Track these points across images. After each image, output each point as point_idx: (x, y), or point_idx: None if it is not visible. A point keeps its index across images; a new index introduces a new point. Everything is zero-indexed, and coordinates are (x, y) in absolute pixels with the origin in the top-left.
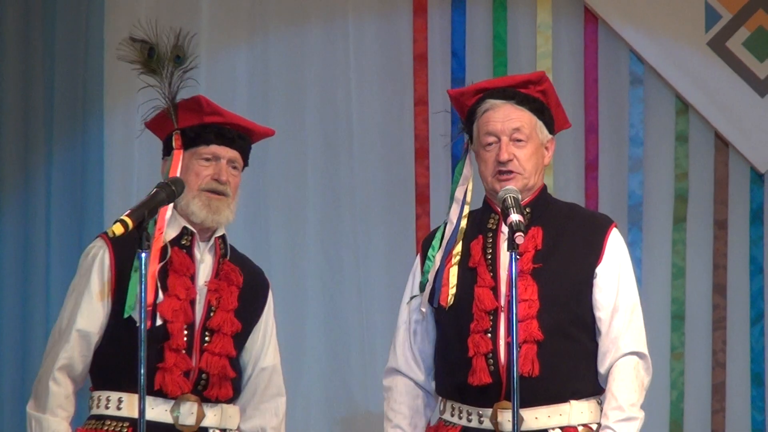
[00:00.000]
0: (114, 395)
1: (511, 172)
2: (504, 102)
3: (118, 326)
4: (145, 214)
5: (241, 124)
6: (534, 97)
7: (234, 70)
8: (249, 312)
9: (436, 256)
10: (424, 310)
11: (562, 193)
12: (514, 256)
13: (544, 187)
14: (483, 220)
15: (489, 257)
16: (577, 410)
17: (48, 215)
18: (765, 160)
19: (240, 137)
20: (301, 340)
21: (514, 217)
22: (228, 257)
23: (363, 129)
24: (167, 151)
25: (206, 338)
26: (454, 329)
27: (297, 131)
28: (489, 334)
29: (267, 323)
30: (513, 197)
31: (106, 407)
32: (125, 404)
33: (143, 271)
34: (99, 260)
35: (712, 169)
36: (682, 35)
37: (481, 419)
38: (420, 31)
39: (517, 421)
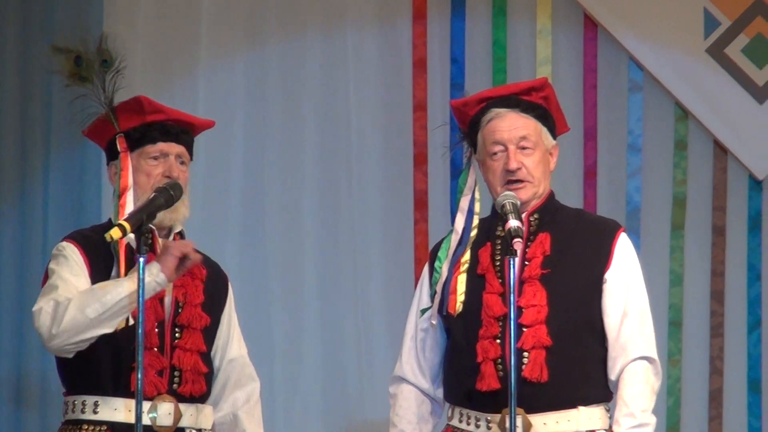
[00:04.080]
0: (90, 399)
1: (521, 180)
2: (509, 110)
3: None
4: (143, 218)
5: (182, 119)
6: (537, 103)
7: (233, 77)
8: (215, 304)
9: (443, 266)
10: (434, 322)
11: (561, 199)
12: (512, 262)
13: (551, 194)
14: (491, 228)
15: (498, 264)
16: (585, 416)
17: (45, 220)
18: (763, 167)
19: (183, 132)
20: (298, 347)
21: (513, 223)
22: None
23: (362, 135)
24: (111, 156)
25: (176, 335)
26: (463, 336)
27: (296, 137)
28: (498, 340)
29: (230, 315)
30: (512, 203)
31: (82, 411)
32: (102, 407)
33: (141, 276)
34: (69, 257)
35: (710, 176)
36: (681, 42)
37: (489, 425)
38: (419, 37)
39: (514, 425)
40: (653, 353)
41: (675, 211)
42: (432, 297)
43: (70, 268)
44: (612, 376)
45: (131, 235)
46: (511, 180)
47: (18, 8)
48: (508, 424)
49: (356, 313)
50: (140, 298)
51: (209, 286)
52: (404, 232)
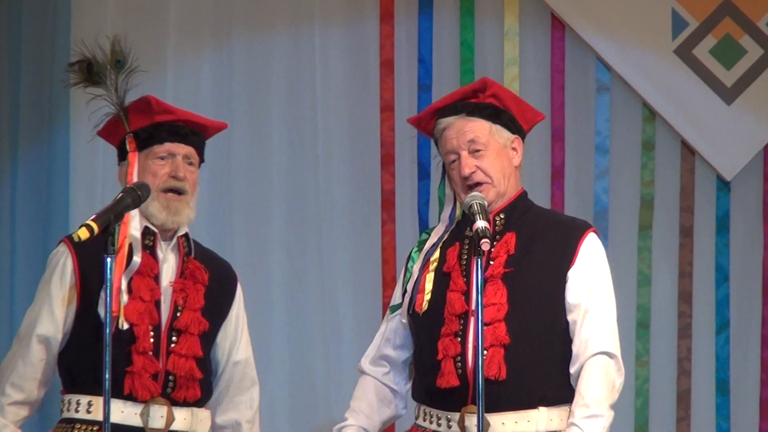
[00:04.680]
0: (84, 399)
1: (479, 183)
2: (455, 117)
3: (85, 330)
4: (111, 218)
5: (192, 120)
6: (485, 103)
7: (199, 75)
8: (217, 308)
9: (415, 266)
10: (404, 321)
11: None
12: (479, 263)
13: (522, 193)
14: (461, 230)
15: (464, 263)
16: (546, 417)
17: (13, 219)
18: (731, 168)
19: (193, 133)
20: (265, 348)
21: (480, 223)
22: (192, 255)
23: (329, 135)
24: (122, 156)
25: (173, 339)
26: (427, 334)
27: (262, 137)
28: (458, 338)
29: (238, 317)
30: (479, 203)
31: (76, 411)
32: (95, 407)
33: (109, 276)
34: (61, 266)
35: (678, 177)
36: (648, 43)
37: (450, 423)
38: (387, 37)
39: (482, 423)
40: (615, 350)
41: (642, 212)
42: (403, 296)
43: (50, 297)
44: (572, 371)
45: (136, 234)
46: (470, 185)
47: None
48: (467, 423)
49: (323, 314)
50: (107, 299)
51: (212, 289)
52: (371, 232)
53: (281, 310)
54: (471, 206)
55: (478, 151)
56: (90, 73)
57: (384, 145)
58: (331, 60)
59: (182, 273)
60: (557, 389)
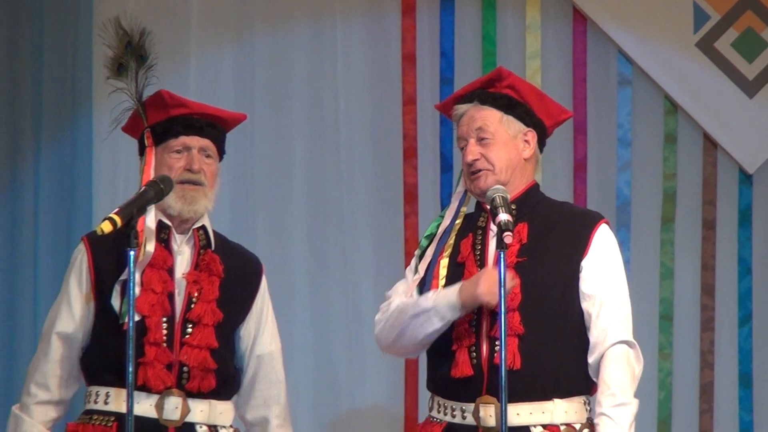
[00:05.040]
0: (102, 390)
1: (479, 170)
2: (469, 105)
3: (102, 325)
4: (134, 212)
5: (208, 112)
6: (501, 93)
7: (221, 68)
8: (238, 301)
9: (429, 249)
10: (412, 294)
11: (550, 193)
12: (502, 255)
13: (534, 186)
14: (474, 220)
15: (477, 253)
16: (561, 409)
17: (36, 213)
18: (753, 160)
19: (209, 125)
20: (289, 342)
21: (503, 216)
22: (212, 248)
23: (351, 128)
24: (143, 150)
25: (188, 330)
26: None
27: (284, 131)
28: (473, 327)
29: (261, 310)
30: (501, 196)
31: (95, 402)
32: (112, 399)
33: (132, 269)
34: (77, 264)
35: (700, 170)
36: (670, 36)
37: (464, 414)
38: (408, 31)
39: (506, 413)
40: (632, 339)
41: (665, 205)
42: (417, 266)
43: (68, 295)
44: (591, 361)
45: (151, 226)
46: (472, 172)
47: (6, 4)
48: (482, 413)
49: (346, 307)
50: (130, 292)
51: (230, 282)
52: (394, 225)
53: (304, 304)
54: (494, 199)
55: (484, 139)
56: (127, 49)
57: (406, 139)
58: (353, 54)
59: (197, 265)
60: (571, 379)
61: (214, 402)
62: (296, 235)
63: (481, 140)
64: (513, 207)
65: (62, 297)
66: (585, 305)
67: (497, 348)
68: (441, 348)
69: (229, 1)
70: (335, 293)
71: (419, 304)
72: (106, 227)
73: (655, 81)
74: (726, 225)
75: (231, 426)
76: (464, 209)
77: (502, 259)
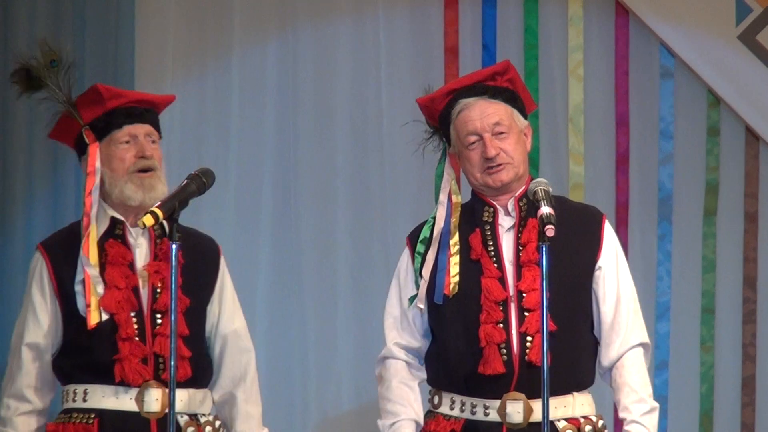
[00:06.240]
0: (80, 388)
1: (500, 164)
2: (477, 99)
3: (71, 327)
4: (176, 205)
5: (143, 98)
6: (504, 87)
7: (265, 64)
8: (200, 284)
9: (428, 253)
10: (421, 306)
11: (593, 186)
12: (545, 249)
13: (531, 179)
14: (476, 214)
15: (491, 249)
16: (579, 402)
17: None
18: None
19: (147, 111)
20: (332, 333)
21: (545, 209)
22: (167, 235)
23: (393, 122)
24: (81, 150)
25: (157, 321)
26: (459, 321)
27: (327, 125)
28: (500, 324)
29: (223, 290)
30: (544, 189)
31: (74, 400)
32: (90, 395)
33: (173, 263)
34: (38, 273)
35: (742, 162)
36: (712, 28)
37: (487, 411)
38: (451, 24)
39: (547, 411)
40: (647, 339)
41: (707, 198)
42: (417, 283)
43: (32, 305)
44: (605, 362)
45: (100, 227)
46: (490, 167)
47: (49, 14)
48: (509, 410)
49: None
50: (173, 284)
51: (191, 266)
52: None
53: (347, 301)
54: (536, 192)
55: (501, 133)
56: (29, 78)
57: None
58: (396, 47)
59: (156, 255)
60: (585, 374)
61: (192, 390)
62: (339, 229)
63: (498, 134)
64: (524, 201)
65: (27, 308)
66: (602, 306)
67: (529, 345)
68: (462, 346)
69: None
70: (377, 289)
71: (384, 412)
72: (148, 221)
73: (698, 74)
74: None
75: (210, 414)
76: (457, 199)
77: (544, 252)
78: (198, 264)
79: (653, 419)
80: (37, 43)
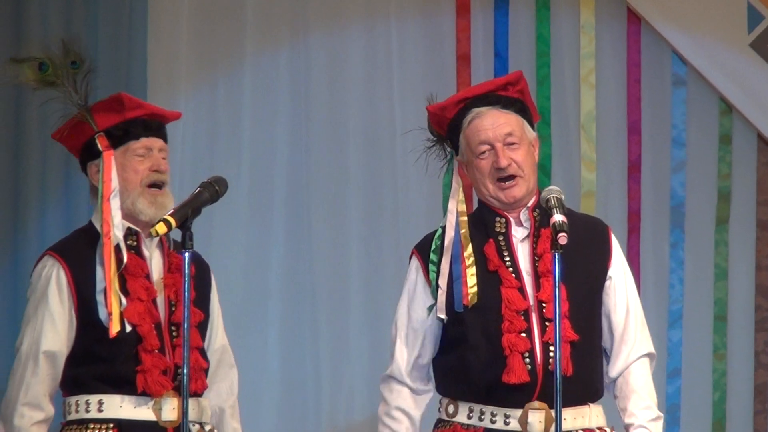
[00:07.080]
0: (93, 398)
1: (513, 177)
2: (489, 108)
3: (89, 335)
4: (189, 213)
5: (158, 113)
6: (515, 98)
7: (277, 71)
8: (204, 299)
9: (442, 263)
10: (442, 316)
11: (605, 193)
12: (557, 257)
13: (538, 189)
14: (488, 225)
15: (507, 260)
16: (594, 413)
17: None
18: None
19: (161, 126)
20: (344, 339)
21: (558, 217)
22: (172, 248)
23: (406, 128)
24: (89, 156)
25: (174, 333)
26: (479, 331)
27: (339, 132)
28: (523, 334)
29: (214, 305)
30: (556, 197)
31: (87, 411)
32: (107, 405)
33: (186, 271)
34: (55, 279)
35: (754, 170)
36: (724, 36)
37: (507, 420)
38: (463, 31)
39: (561, 417)
40: (653, 348)
41: (719, 206)
42: (434, 294)
43: (50, 312)
44: (613, 373)
45: (119, 235)
46: (502, 177)
47: (61, 13)
48: (530, 419)
49: None
50: (185, 294)
51: (197, 281)
52: None
53: (359, 306)
54: (548, 200)
55: (513, 144)
56: (43, 71)
57: None
58: (408, 54)
59: (169, 268)
60: (598, 384)
61: (200, 400)
62: (351, 235)
63: (509, 145)
64: (537, 212)
65: (42, 315)
66: (614, 316)
67: (551, 354)
68: (483, 356)
69: (284, 3)
70: (390, 294)
71: None
72: (161, 229)
73: (710, 81)
74: None
75: (210, 423)
76: (463, 207)
77: (556, 261)
78: (200, 279)
79: (659, 427)
80: (61, 41)
